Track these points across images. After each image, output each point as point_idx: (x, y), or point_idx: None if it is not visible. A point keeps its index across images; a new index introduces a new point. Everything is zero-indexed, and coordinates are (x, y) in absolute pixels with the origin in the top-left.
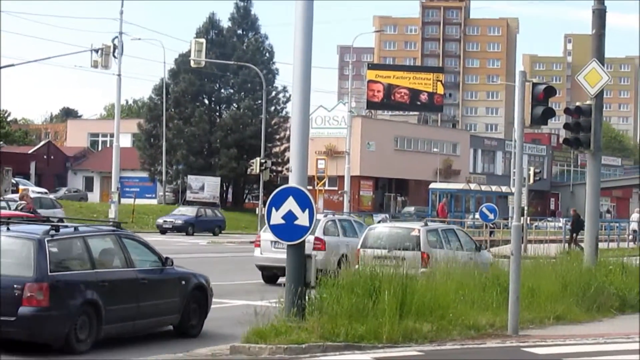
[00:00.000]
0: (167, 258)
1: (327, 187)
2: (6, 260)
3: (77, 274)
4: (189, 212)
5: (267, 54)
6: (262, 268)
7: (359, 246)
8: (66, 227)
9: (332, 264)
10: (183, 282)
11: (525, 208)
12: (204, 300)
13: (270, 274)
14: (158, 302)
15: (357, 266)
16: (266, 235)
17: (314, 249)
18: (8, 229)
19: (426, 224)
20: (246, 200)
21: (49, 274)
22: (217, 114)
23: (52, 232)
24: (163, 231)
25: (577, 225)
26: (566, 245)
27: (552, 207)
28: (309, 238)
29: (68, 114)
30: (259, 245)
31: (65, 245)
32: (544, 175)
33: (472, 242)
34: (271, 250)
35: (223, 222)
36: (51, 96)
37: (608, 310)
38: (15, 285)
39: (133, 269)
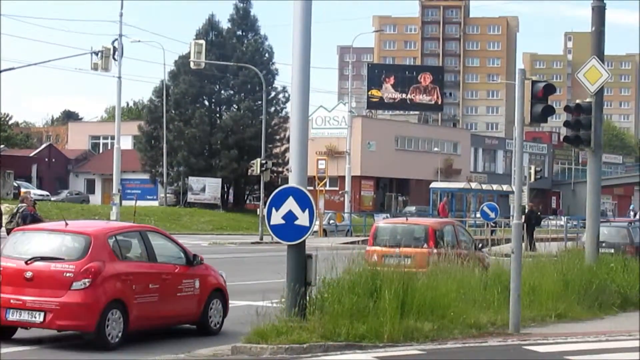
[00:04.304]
0: None
1: (328, 188)
2: None
3: None
4: None
5: (267, 55)
6: None
7: None
8: None
9: None
10: None
11: (526, 207)
12: None
13: None
14: None
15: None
16: None
17: None
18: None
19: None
20: (247, 201)
21: None
22: (218, 115)
23: None
24: None
25: (529, 221)
26: (568, 243)
27: (554, 205)
28: None
29: (69, 116)
30: None
31: None
32: (545, 174)
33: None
34: None
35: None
36: (52, 99)
37: (610, 308)
38: None
39: None
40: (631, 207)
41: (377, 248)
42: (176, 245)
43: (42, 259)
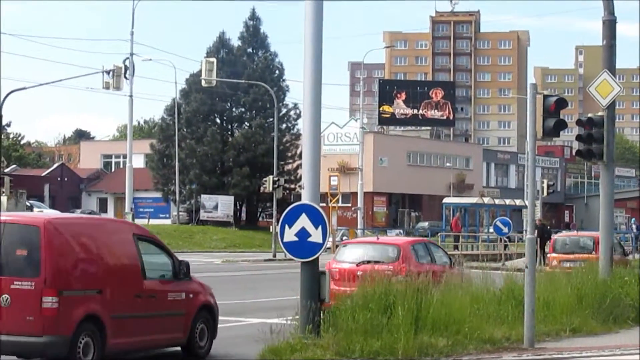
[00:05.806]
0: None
1: (340, 204)
2: None
3: None
4: None
5: (277, 72)
6: None
7: None
8: None
9: None
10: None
11: (537, 222)
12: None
13: None
14: None
15: None
16: None
17: None
18: None
19: None
20: (260, 219)
21: None
22: (229, 132)
23: None
24: None
25: (542, 235)
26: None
27: (567, 219)
28: None
29: (81, 135)
30: None
31: None
32: (558, 188)
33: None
34: None
35: None
36: (64, 118)
37: (624, 321)
38: None
39: None
40: (632, 221)
41: (556, 255)
42: (444, 252)
43: (368, 262)
